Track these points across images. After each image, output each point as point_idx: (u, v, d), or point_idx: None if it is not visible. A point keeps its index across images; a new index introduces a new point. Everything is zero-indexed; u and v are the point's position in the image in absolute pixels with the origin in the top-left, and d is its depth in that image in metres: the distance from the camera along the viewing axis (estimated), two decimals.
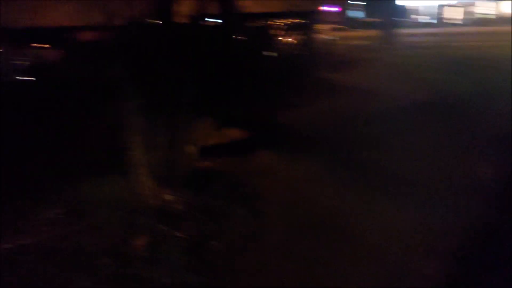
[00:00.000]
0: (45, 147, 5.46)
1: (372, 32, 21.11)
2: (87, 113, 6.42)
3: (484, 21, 27.27)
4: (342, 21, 25.21)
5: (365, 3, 28.62)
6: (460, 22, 28.25)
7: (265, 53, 10.52)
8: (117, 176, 4.38)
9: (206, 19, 8.77)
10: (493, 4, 28.20)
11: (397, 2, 24.02)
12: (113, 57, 4.37)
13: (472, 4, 28.97)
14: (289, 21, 13.89)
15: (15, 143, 5.63)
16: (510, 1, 25.12)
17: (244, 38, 9.87)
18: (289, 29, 13.75)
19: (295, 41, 13.51)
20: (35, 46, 8.79)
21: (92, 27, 8.77)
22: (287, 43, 13.36)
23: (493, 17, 28.07)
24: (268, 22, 12.86)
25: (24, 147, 5.52)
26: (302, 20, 13.87)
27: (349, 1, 28.29)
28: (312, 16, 14.10)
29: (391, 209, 4.02)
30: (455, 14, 28.89)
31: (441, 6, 29.57)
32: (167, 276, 3.11)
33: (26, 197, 4.11)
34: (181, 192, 4.11)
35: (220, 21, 9.25)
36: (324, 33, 16.79)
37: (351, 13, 28.59)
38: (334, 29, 20.16)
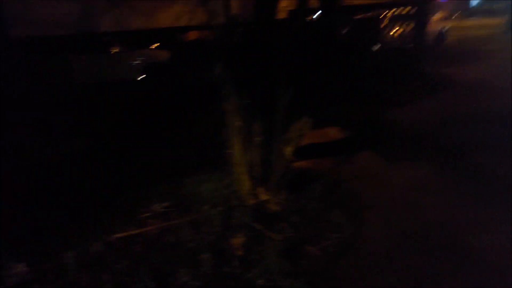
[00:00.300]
0: (154, 144, 5.91)
1: (494, 20, 18.93)
2: (191, 111, 6.81)
3: None
4: (458, 8, 23.06)
5: None
6: None
7: (368, 46, 10.06)
8: (217, 173, 4.54)
9: (307, 13, 8.65)
10: None
11: None
12: (214, 56, 4.50)
13: None
14: (397, 11, 13.09)
15: (128, 140, 6.19)
16: None
17: (346, 31, 9.55)
18: (396, 20, 12.97)
19: (402, 33, 12.71)
20: (148, 47, 9.56)
21: (197, 27, 9.28)
22: (393, 35, 12.63)
23: None
24: (373, 14, 12.26)
25: (136, 143, 6.04)
26: (412, 9, 12.98)
27: None
28: (422, 5, 13.09)
29: (509, 222, 3.54)
30: None
31: None
32: (261, 278, 3.12)
33: (136, 191, 4.49)
34: (277, 192, 4.10)
35: (322, 15, 9.05)
36: (436, 23, 15.50)
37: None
38: (448, 18, 18.51)
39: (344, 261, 3.32)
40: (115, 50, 9.06)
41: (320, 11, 8.70)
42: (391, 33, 12.59)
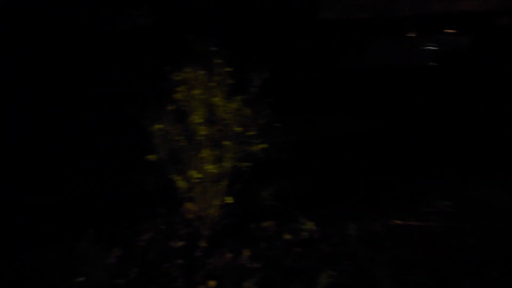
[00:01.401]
0: (436, 135, 5.61)
1: None
2: (483, 105, 6.11)
3: None
4: None
5: None
6: None
7: None
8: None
9: None
10: None
11: None
12: None
13: None
14: None
15: (410, 127, 6.07)
16: None
17: None
18: None
19: None
20: (446, 32, 8.95)
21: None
22: None
23: None
24: None
25: (417, 131, 5.88)
26: None
27: None
28: None
29: None
30: None
31: None
32: None
33: (416, 181, 4.41)
34: None
35: None
36: None
37: None
38: None
39: None
40: (410, 35, 8.92)
41: None
42: None
